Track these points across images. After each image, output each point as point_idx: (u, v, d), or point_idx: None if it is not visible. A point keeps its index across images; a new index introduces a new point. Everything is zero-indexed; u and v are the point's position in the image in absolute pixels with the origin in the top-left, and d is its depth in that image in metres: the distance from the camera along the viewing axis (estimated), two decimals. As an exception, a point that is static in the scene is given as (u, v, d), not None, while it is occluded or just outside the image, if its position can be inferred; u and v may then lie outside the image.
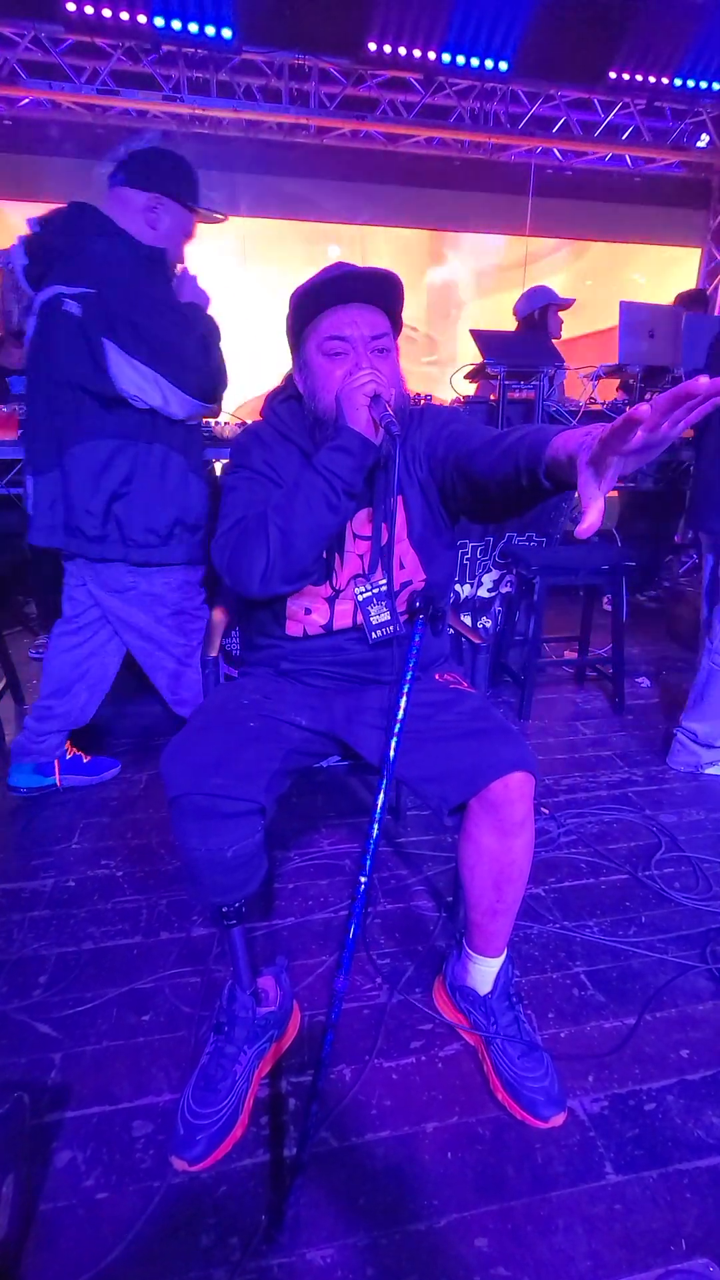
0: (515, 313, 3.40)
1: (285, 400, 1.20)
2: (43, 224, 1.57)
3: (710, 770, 2.12)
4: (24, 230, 1.59)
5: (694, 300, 3.64)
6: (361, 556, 1.17)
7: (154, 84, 3.94)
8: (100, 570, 1.70)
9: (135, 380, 1.50)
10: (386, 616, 1.16)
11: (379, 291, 1.07)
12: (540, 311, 3.25)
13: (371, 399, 1.03)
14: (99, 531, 1.61)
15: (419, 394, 2.85)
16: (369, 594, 1.15)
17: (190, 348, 1.54)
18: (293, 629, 1.19)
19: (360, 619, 1.17)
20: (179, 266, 1.68)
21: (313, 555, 1.07)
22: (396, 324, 1.13)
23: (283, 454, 1.17)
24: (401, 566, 1.18)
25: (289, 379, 1.19)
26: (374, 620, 1.16)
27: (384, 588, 1.15)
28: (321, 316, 1.07)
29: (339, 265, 1.08)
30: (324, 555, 1.13)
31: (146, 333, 1.48)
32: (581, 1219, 0.95)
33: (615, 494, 3.81)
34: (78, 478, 1.58)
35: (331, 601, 1.17)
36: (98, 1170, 1.01)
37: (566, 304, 3.27)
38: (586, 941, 1.44)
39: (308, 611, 1.17)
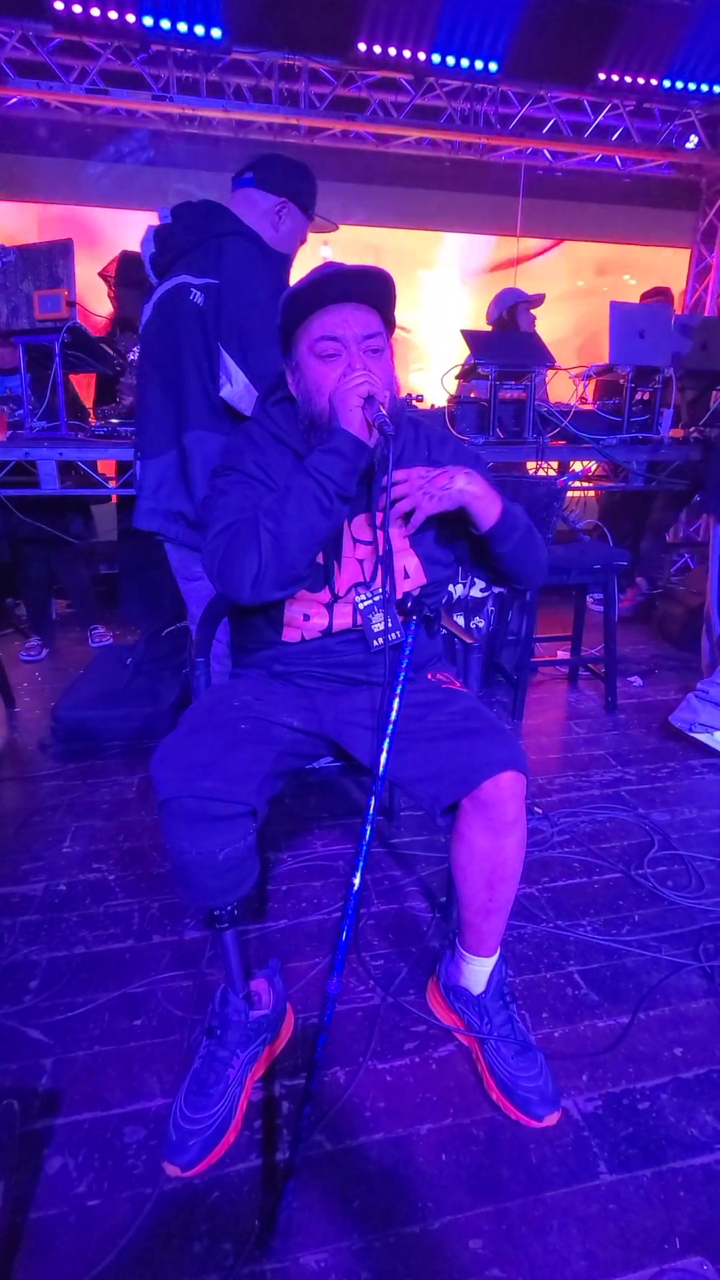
0: (488, 318, 3.43)
1: (278, 402, 1.19)
2: (175, 216, 1.60)
3: (697, 734, 2.20)
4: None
5: (659, 296, 3.65)
6: (361, 562, 1.15)
7: (143, 83, 3.91)
8: (181, 556, 1.72)
9: (224, 368, 1.53)
10: (389, 624, 1.14)
11: (370, 290, 1.05)
12: (510, 311, 3.28)
13: (365, 400, 1.02)
14: (199, 518, 1.63)
15: (410, 393, 2.85)
16: (370, 602, 1.14)
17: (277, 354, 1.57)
18: (290, 635, 1.17)
19: (359, 621, 1.15)
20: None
21: (306, 560, 1.05)
22: (389, 322, 1.12)
23: (275, 456, 1.14)
24: (407, 576, 1.16)
25: (281, 378, 1.19)
26: (375, 628, 1.14)
27: (384, 595, 1.14)
28: (313, 317, 1.06)
29: (329, 265, 1.07)
30: (319, 560, 1.11)
31: (245, 325, 1.51)
32: (576, 1219, 0.95)
33: (596, 495, 3.83)
34: (199, 462, 1.59)
35: (330, 607, 1.15)
36: (89, 1177, 1.00)
37: (535, 301, 3.29)
38: (580, 940, 1.44)
39: (306, 618, 1.16)
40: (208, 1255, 0.91)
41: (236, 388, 1.53)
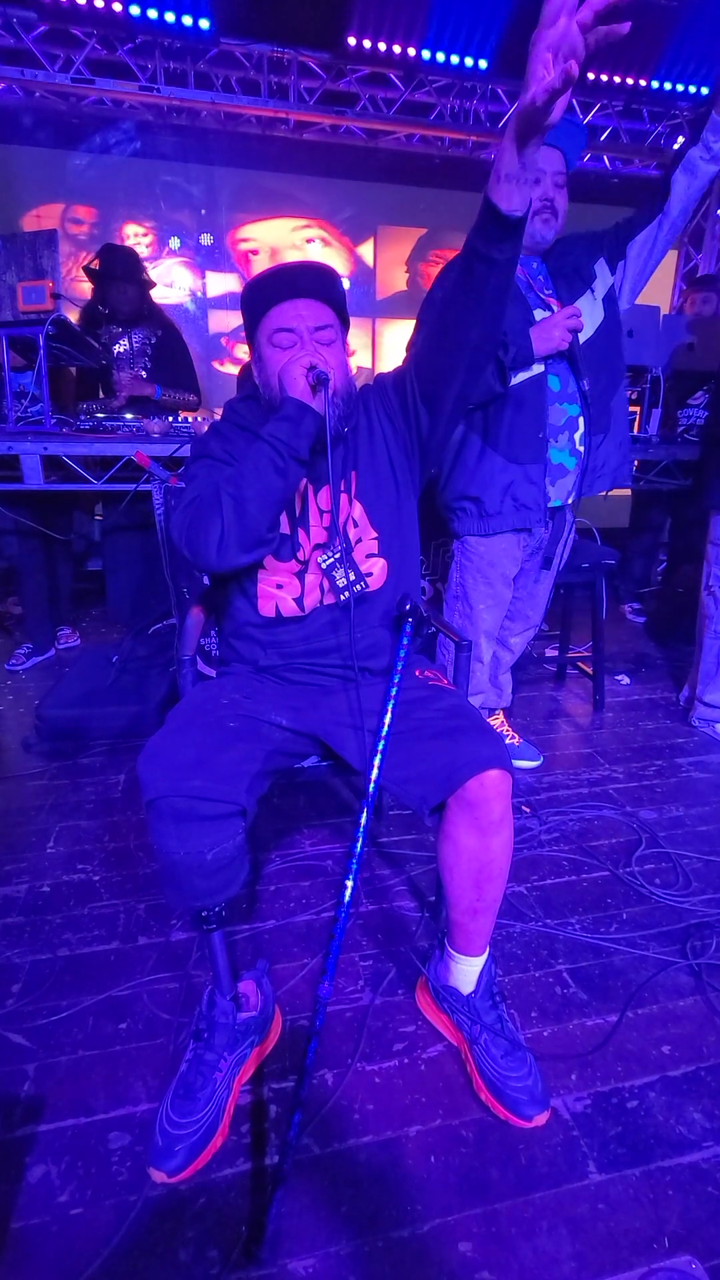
0: None
1: (244, 399, 1.27)
2: None
3: (699, 724, 2.34)
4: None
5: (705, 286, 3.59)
6: (328, 529, 1.22)
7: (130, 73, 3.87)
8: None
9: None
10: (352, 576, 1.21)
11: (317, 284, 1.14)
12: None
13: (308, 369, 1.09)
14: None
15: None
16: (331, 560, 1.20)
17: None
18: (265, 608, 1.21)
19: (326, 585, 1.21)
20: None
21: (267, 521, 1.10)
22: (343, 317, 1.18)
23: (240, 441, 1.21)
24: (355, 524, 1.23)
25: (245, 371, 1.25)
26: (339, 583, 1.20)
27: (344, 551, 1.21)
28: (269, 312, 1.13)
29: (278, 264, 1.16)
30: (286, 531, 1.18)
31: None
32: (565, 1220, 0.95)
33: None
34: None
35: (301, 575, 1.21)
36: (72, 1185, 0.98)
37: None
38: (569, 939, 1.44)
39: (279, 586, 1.21)
40: (194, 1263, 0.89)
41: None
